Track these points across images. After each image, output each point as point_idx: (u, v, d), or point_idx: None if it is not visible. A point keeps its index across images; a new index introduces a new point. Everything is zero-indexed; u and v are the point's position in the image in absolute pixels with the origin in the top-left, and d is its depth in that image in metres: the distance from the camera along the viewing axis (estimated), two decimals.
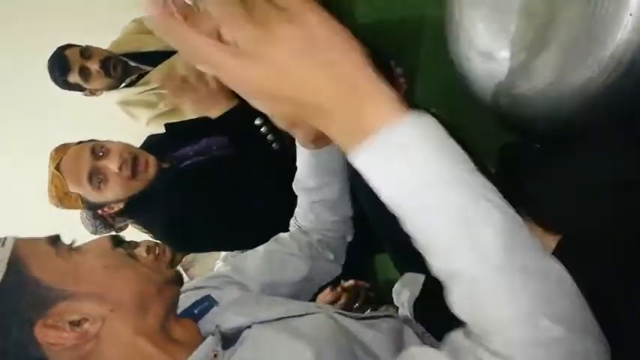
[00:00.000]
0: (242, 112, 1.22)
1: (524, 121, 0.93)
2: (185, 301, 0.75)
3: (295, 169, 0.93)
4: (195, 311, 0.73)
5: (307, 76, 0.42)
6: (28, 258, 0.60)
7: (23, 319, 0.57)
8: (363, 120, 0.43)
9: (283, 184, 1.28)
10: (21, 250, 0.60)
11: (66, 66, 1.92)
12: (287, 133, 1.28)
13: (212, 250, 1.80)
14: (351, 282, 1.44)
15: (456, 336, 0.47)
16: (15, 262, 0.59)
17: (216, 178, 1.31)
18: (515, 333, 0.42)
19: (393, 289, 1.16)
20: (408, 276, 1.15)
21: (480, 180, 0.44)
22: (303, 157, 0.88)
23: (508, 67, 0.86)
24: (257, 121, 1.25)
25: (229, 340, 0.65)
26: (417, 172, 0.43)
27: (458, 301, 0.45)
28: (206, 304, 0.74)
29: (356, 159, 0.44)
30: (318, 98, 0.42)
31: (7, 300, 0.57)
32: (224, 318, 0.70)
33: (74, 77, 1.94)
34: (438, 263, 0.45)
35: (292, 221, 1.00)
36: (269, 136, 1.26)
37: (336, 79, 0.42)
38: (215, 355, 0.62)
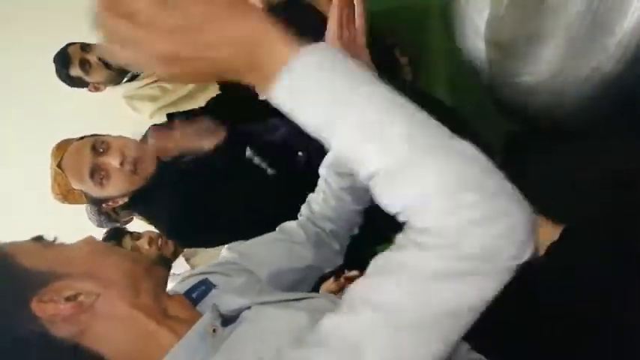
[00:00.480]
0: (232, 144, 1.27)
1: (529, 110, 0.92)
2: (185, 285, 0.76)
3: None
4: (194, 295, 0.74)
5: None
6: (15, 255, 0.62)
7: (18, 299, 0.58)
8: (264, 68, 0.51)
9: (287, 185, 1.28)
10: (7, 250, 0.62)
11: (67, 59, 1.98)
12: (281, 157, 1.30)
13: (217, 245, 1.81)
14: (355, 272, 1.44)
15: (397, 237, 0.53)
16: (3, 259, 0.61)
17: (218, 172, 1.30)
18: (434, 207, 0.48)
19: None
20: None
21: (379, 88, 0.51)
22: None
23: (514, 55, 0.85)
24: (247, 153, 1.27)
25: (229, 320, 0.66)
26: (319, 91, 0.50)
27: (384, 197, 0.51)
28: (203, 287, 0.75)
29: (273, 100, 0.51)
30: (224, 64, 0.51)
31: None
32: (223, 300, 0.71)
33: (75, 70, 1.99)
34: (362, 171, 0.52)
35: (304, 208, 1.00)
36: (262, 165, 1.28)
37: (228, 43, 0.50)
38: (214, 330, 0.63)
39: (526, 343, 0.74)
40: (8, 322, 0.57)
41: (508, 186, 0.50)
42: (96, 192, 1.27)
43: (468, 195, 0.47)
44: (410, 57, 1.54)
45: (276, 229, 0.98)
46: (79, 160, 1.25)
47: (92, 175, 1.24)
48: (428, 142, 0.50)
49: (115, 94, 2.05)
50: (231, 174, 1.31)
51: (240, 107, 1.33)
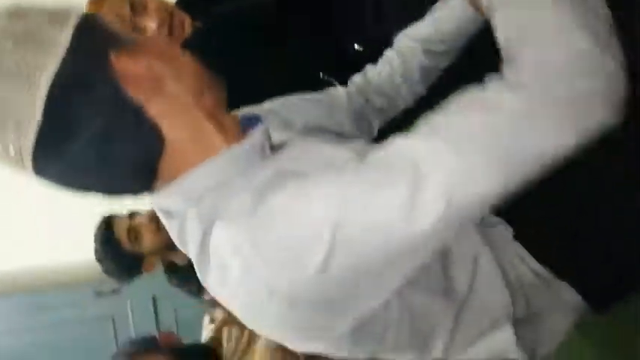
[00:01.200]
0: None
1: None
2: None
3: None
4: (243, 123, 0.76)
5: None
6: (100, 17, 0.66)
7: (101, 50, 0.60)
8: None
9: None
10: (94, 14, 0.66)
11: None
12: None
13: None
14: None
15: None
16: (90, 17, 0.63)
17: (248, 33, 1.31)
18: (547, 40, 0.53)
19: None
20: None
21: None
22: (456, 17, 0.88)
23: None
24: None
25: (274, 148, 0.70)
26: None
27: (506, 24, 0.57)
28: (251, 120, 0.76)
29: None
30: None
31: (84, 37, 0.60)
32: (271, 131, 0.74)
33: None
34: None
35: (358, 77, 0.99)
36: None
37: None
38: (263, 148, 0.67)
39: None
40: (88, 69, 0.59)
41: (616, 46, 0.52)
42: None
43: (584, 38, 0.51)
44: None
45: (324, 91, 0.98)
46: (118, 18, 1.25)
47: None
48: None
49: None
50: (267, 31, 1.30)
51: None
